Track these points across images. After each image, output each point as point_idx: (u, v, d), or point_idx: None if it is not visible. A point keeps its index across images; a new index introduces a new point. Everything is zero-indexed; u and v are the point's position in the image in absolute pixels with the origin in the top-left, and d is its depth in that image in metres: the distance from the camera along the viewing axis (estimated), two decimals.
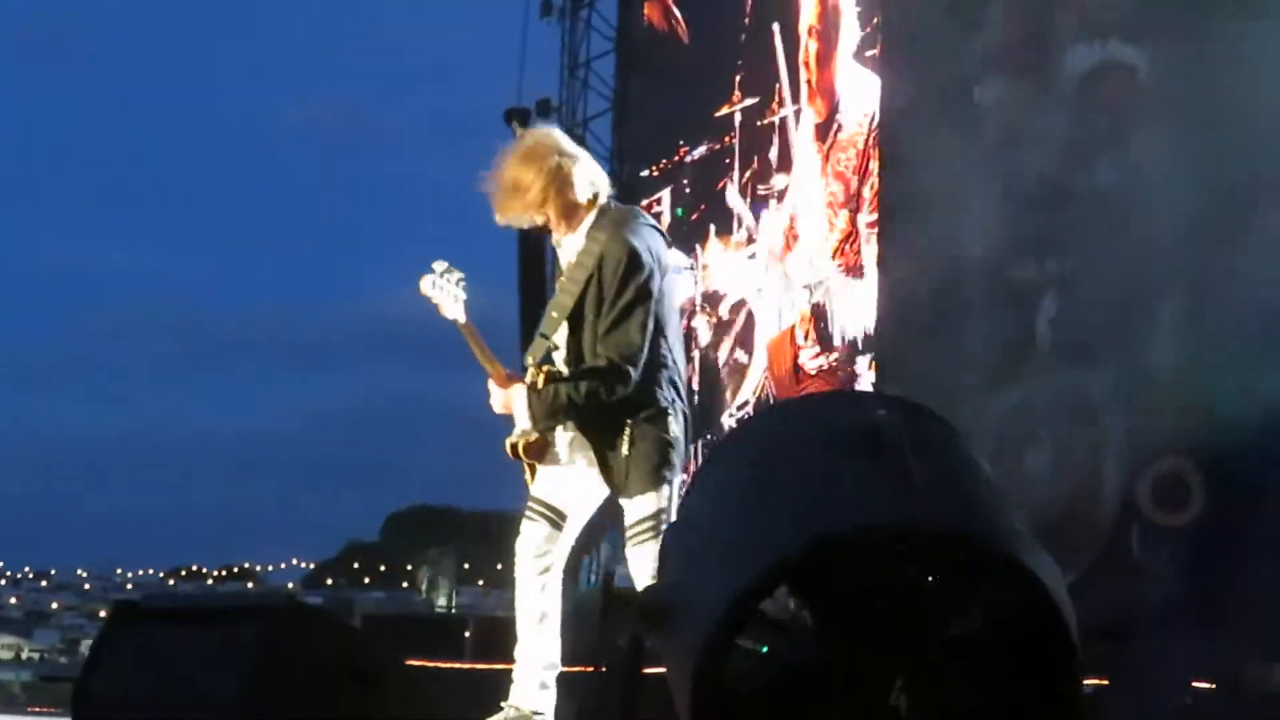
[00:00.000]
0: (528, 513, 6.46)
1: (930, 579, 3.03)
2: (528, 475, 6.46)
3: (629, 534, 6.20)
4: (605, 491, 6.31)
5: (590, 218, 6.34)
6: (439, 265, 6.34)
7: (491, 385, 6.31)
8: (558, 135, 6.44)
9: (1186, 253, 14.69)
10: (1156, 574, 15.06)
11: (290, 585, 70.78)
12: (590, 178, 6.36)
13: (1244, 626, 13.57)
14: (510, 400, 6.24)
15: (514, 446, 6.37)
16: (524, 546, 6.41)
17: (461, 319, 6.31)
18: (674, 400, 6.26)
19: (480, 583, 36.98)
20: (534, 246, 21.81)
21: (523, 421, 6.26)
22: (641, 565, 6.05)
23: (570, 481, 6.36)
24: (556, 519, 6.39)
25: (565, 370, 6.25)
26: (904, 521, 2.98)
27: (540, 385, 6.17)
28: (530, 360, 6.32)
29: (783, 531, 2.97)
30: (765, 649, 3.03)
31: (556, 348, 6.34)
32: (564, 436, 6.33)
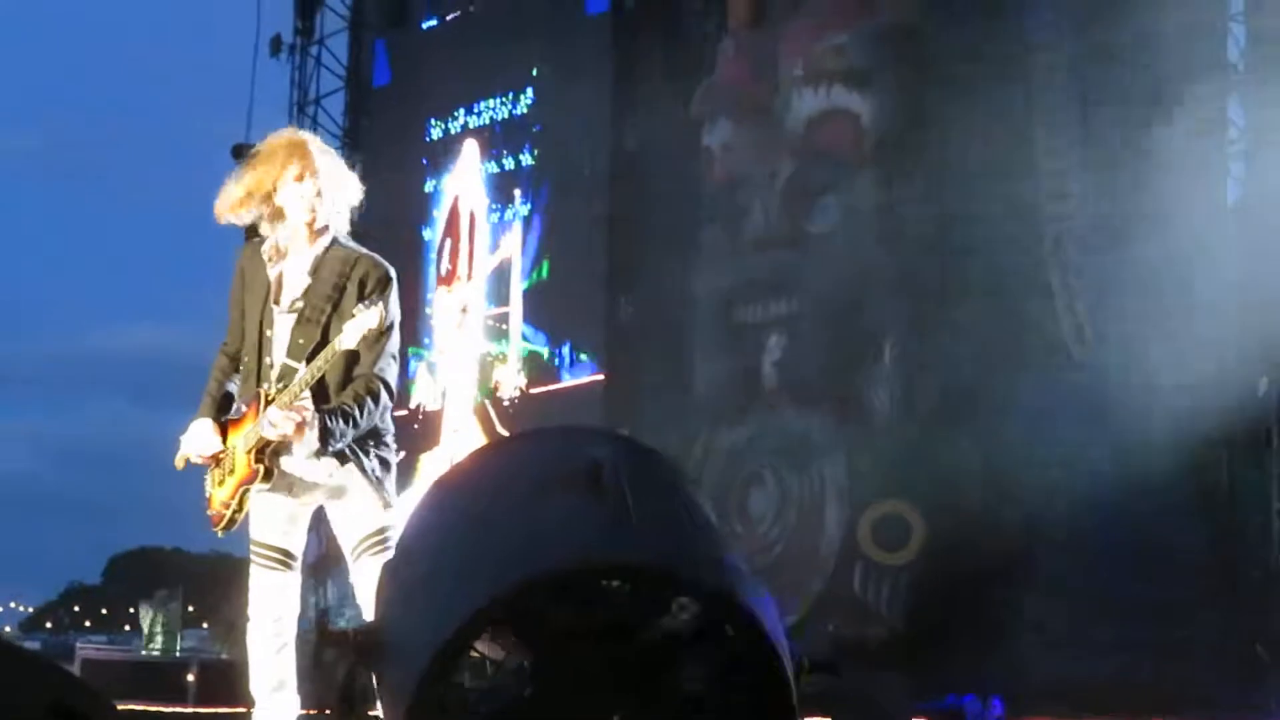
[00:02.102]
0: (258, 560, 6.27)
1: (647, 616, 3.03)
2: (216, 497, 6.27)
3: (361, 547, 6.12)
4: (308, 520, 6.26)
5: (326, 240, 6.24)
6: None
7: (273, 408, 6.09)
8: (319, 146, 6.35)
9: (906, 296, 15.01)
10: (877, 610, 15.32)
11: (7, 629, 68.93)
12: (347, 202, 6.30)
13: (962, 661, 13.84)
14: (300, 421, 6.01)
15: (260, 450, 6.14)
16: (260, 601, 6.24)
17: None
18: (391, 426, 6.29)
19: (205, 625, 36.37)
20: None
21: (309, 445, 6.07)
22: (371, 578, 5.94)
23: (293, 519, 6.26)
24: (288, 561, 6.27)
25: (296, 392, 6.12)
26: (622, 560, 2.98)
27: (322, 410, 6.03)
28: (282, 385, 6.14)
29: (498, 569, 2.95)
30: (481, 687, 3.01)
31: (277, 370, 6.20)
32: (299, 468, 6.20)
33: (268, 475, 6.12)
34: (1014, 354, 13.91)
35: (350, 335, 6.01)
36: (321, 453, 6.06)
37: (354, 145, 20.48)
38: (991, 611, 14.11)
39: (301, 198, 6.17)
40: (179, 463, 6.35)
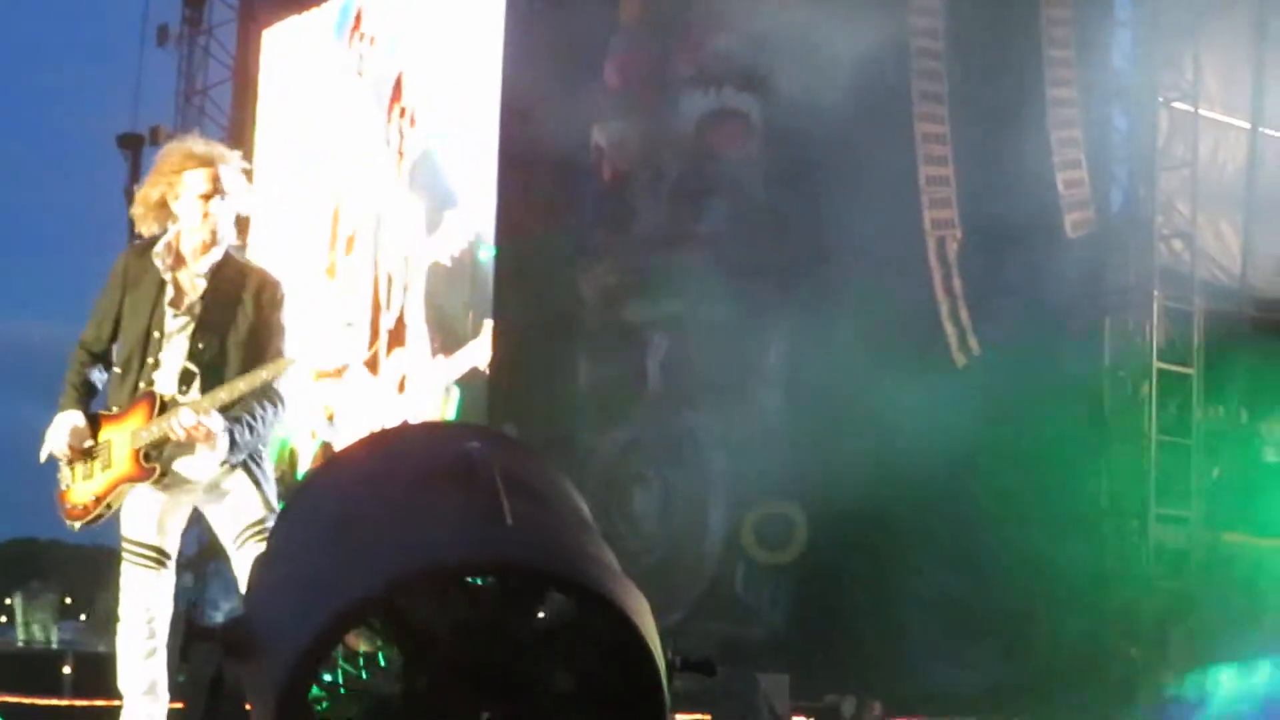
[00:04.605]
0: (131, 558, 6.24)
1: (518, 614, 3.03)
2: (80, 490, 6.23)
3: (244, 535, 6.14)
4: (184, 520, 6.28)
5: (220, 251, 6.30)
6: None
7: (186, 411, 6.09)
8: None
9: (792, 297, 15.04)
10: (759, 611, 15.36)
11: None
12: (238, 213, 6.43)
13: (842, 662, 13.90)
14: (210, 430, 6.04)
15: (151, 450, 6.13)
16: (132, 600, 6.20)
17: None
18: None
19: (83, 617, 36.01)
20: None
21: (219, 454, 6.08)
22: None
23: (168, 517, 6.23)
24: (162, 560, 6.24)
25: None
26: (491, 556, 2.97)
27: (231, 421, 6.08)
28: (185, 389, 6.17)
29: (369, 566, 2.94)
30: (351, 683, 3.00)
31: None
32: (194, 471, 6.18)
33: (162, 475, 6.13)
34: (899, 356, 13.98)
35: (270, 371, 6.12)
36: (226, 462, 6.10)
37: (241, 134, 20.34)
38: (872, 613, 14.19)
39: (204, 215, 6.25)
40: (43, 456, 6.31)
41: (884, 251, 13.98)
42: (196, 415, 6.03)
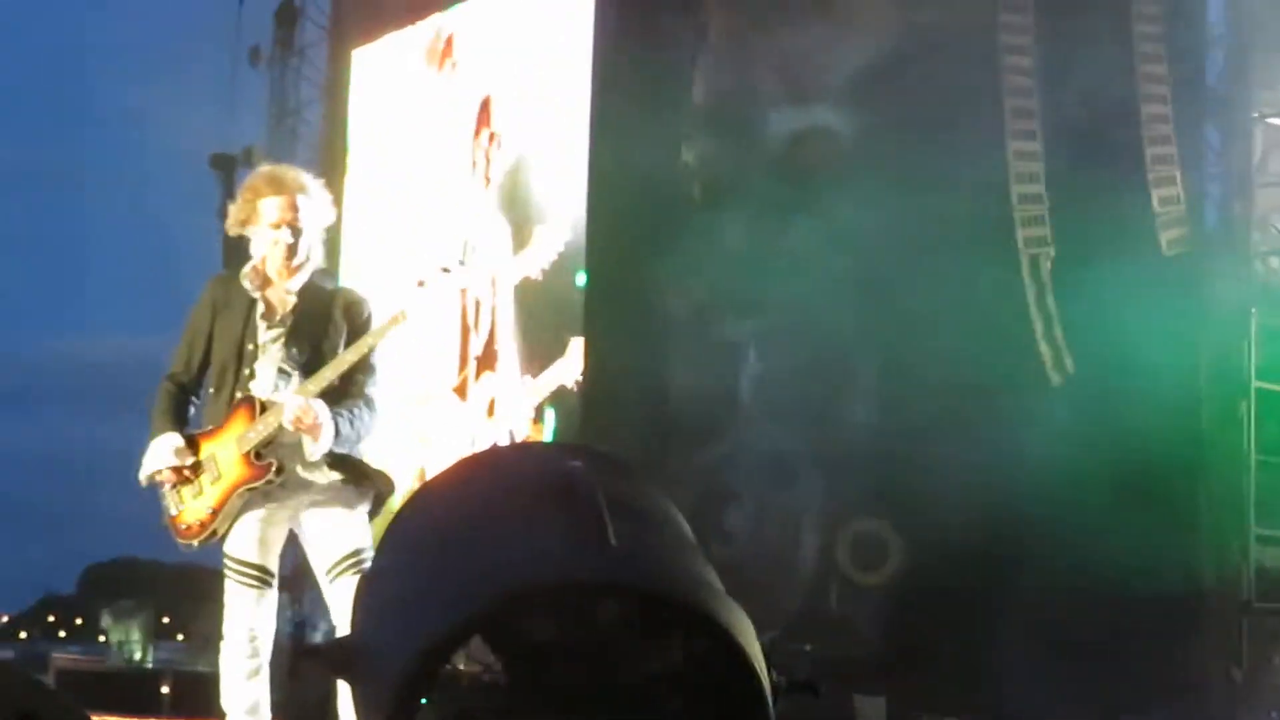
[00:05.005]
0: (235, 577, 6.24)
1: (623, 633, 3.02)
2: (192, 509, 6.25)
3: (341, 566, 6.14)
4: (283, 539, 6.30)
5: (305, 275, 6.36)
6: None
7: (293, 396, 6.13)
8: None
9: (886, 314, 14.98)
10: (854, 630, 15.29)
11: None
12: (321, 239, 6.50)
13: (939, 684, 13.82)
14: (312, 411, 6.09)
15: (258, 450, 6.16)
16: (236, 619, 6.20)
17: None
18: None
19: (180, 637, 36.29)
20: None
21: (324, 443, 6.12)
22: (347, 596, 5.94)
23: (270, 535, 6.25)
24: (266, 578, 6.25)
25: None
26: (596, 577, 2.96)
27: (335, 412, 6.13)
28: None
29: (474, 584, 2.94)
30: (455, 704, 2.99)
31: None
32: (301, 468, 6.22)
33: (280, 470, 6.16)
34: (993, 374, 13.90)
35: (376, 335, 6.19)
36: (330, 444, 6.12)
37: (332, 158, 20.43)
38: (969, 635, 14.09)
39: (276, 243, 6.30)
40: (144, 478, 6.34)
41: (977, 269, 13.90)
42: (303, 399, 6.08)
